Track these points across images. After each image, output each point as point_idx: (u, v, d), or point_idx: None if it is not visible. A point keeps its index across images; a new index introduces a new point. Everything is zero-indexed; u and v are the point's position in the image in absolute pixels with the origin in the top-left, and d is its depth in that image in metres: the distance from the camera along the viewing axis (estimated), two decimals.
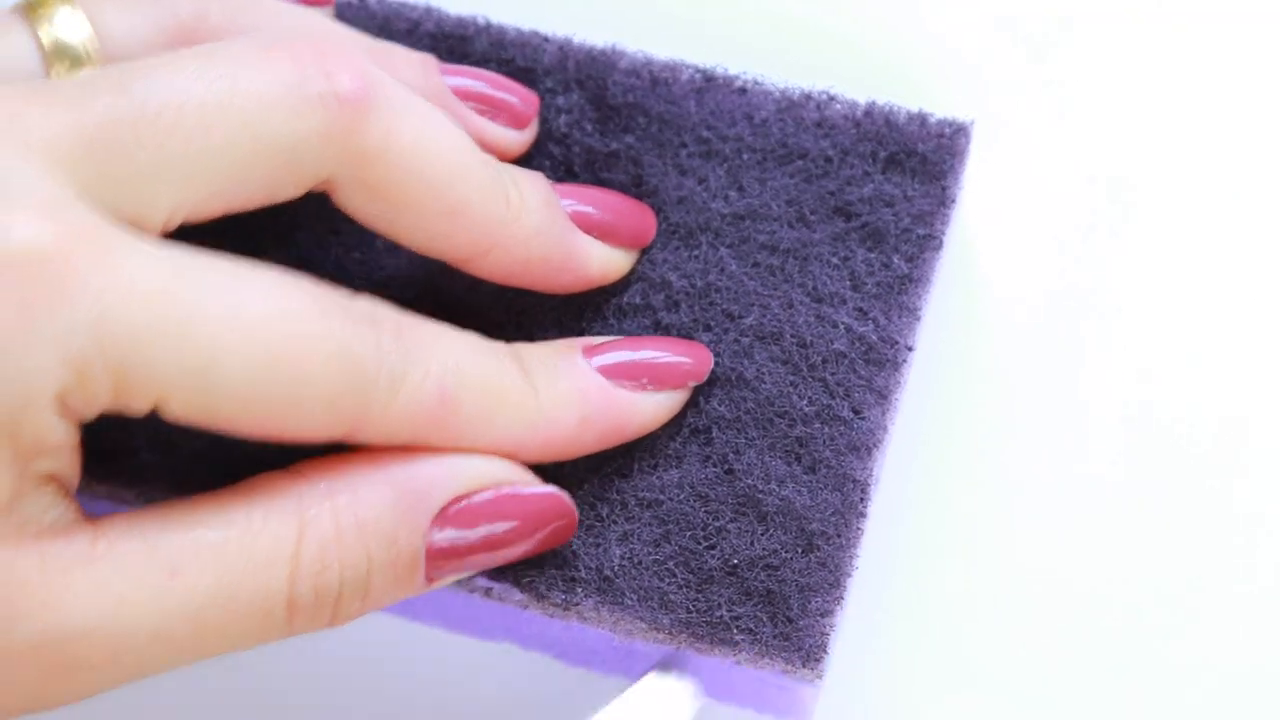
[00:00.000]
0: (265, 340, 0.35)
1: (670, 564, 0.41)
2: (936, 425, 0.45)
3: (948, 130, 0.43)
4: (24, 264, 0.34)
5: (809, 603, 0.40)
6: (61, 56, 0.38)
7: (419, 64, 0.42)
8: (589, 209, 0.42)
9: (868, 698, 0.44)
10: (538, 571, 0.41)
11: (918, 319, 0.43)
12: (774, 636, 0.40)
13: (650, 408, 0.41)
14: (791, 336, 0.42)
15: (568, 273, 0.41)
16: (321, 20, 0.42)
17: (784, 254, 0.43)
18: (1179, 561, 0.44)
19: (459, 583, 0.41)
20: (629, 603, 0.41)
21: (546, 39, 0.44)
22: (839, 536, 0.41)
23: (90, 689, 0.35)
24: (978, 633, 0.44)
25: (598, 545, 0.41)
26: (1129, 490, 0.45)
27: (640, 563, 0.41)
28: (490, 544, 0.39)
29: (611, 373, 0.40)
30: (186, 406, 0.35)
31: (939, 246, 0.43)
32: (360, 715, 0.44)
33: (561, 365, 0.40)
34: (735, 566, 0.41)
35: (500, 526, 0.39)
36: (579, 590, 0.41)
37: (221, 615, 0.36)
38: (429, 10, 0.45)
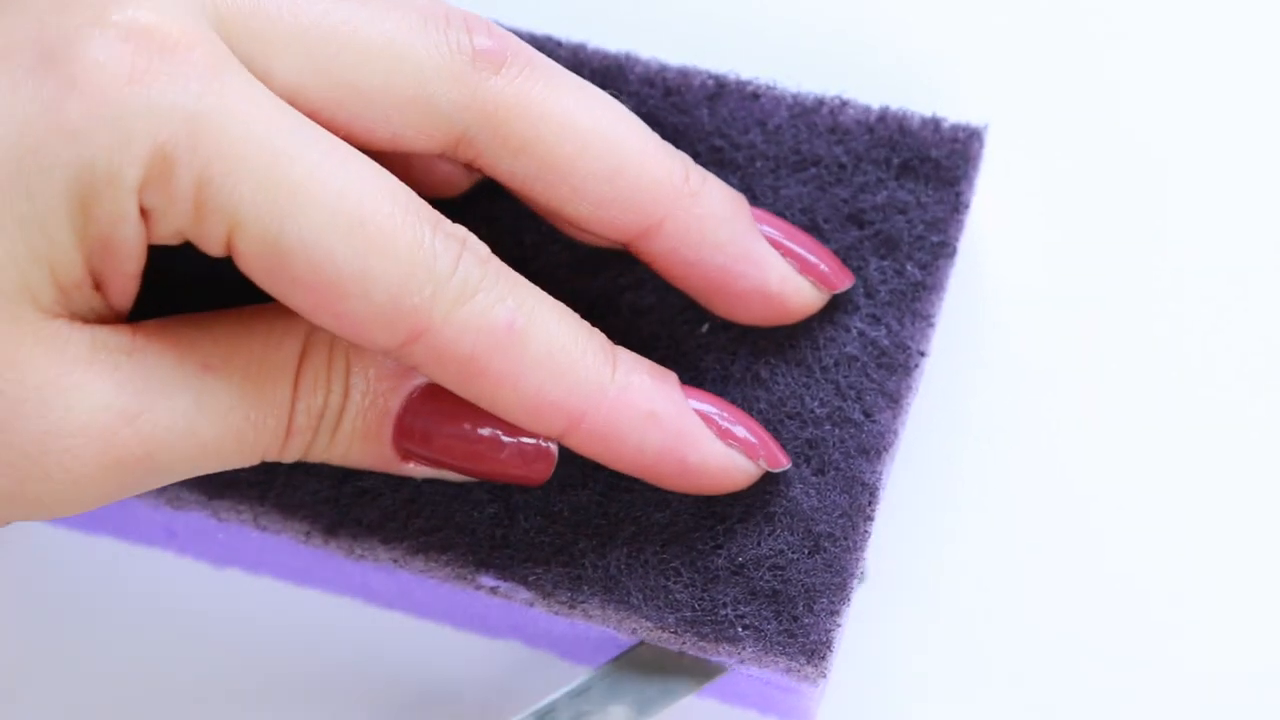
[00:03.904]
0: (351, 207, 0.35)
1: (676, 563, 0.41)
2: (945, 429, 0.45)
3: (961, 135, 0.43)
4: (144, 36, 0.34)
5: (814, 602, 0.40)
6: None
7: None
8: (773, 230, 0.41)
9: (871, 701, 0.43)
10: (544, 569, 0.41)
11: (931, 325, 0.42)
12: (778, 634, 0.40)
13: (718, 454, 0.39)
14: (804, 339, 0.42)
15: (743, 276, 0.40)
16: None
17: None
18: (1187, 564, 0.44)
19: (465, 579, 0.41)
20: (634, 601, 0.40)
21: (559, 44, 0.44)
22: (845, 539, 0.41)
23: (125, 490, 0.36)
24: (982, 636, 0.44)
25: (604, 544, 0.41)
26: (1140, 495, 0.45)
27: (646, 561, 0.41)
28: (463, 450, 0.39)
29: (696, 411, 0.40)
30: (258, 250, 0.35)
31: (953, 253, 0.43)
32: (365, 713, 0.44)
33: (650, 369, 0.39)
34: (741, 566, 0.40)
35: (472, 433, 0.39)
36: (585, 588, 0.41)
37: (243, 421, 0.37)
38: None
